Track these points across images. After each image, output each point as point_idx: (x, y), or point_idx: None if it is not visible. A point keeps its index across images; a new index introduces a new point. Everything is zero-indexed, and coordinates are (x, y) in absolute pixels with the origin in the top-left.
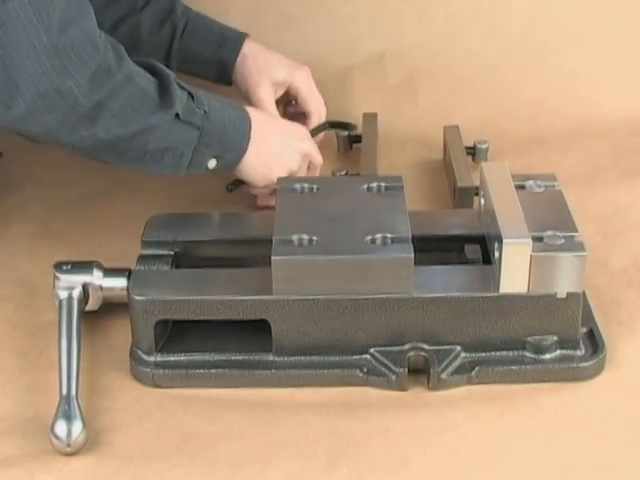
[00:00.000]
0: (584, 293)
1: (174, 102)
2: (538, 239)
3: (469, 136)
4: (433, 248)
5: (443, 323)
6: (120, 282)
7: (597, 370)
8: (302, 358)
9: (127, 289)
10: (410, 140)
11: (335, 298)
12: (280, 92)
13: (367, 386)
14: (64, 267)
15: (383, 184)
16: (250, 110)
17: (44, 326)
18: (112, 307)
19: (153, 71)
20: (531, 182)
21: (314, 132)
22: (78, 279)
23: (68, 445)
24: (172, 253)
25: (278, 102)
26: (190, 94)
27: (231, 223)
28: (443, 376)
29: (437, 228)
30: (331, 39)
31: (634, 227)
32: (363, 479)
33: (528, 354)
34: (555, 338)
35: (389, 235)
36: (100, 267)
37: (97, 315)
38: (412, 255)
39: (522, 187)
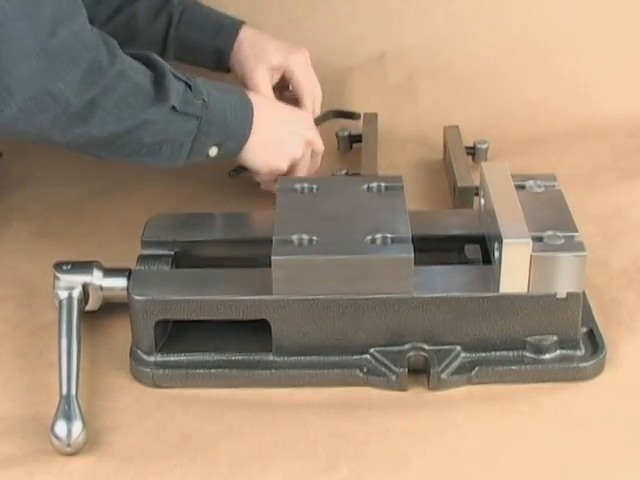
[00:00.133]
0: (584, 293)
1: (169, 95)
2: (538, 239)
3: (469, 136)
4: (433, 248)
5: (443, 323)
6: (120, 282)
7: (597, 370)
8: (302, 358)
9: (127, 289)
10: (410, 140)
11: (335, 298)
12: (277, 77)
13: (367, 386)
14: (64, 267)
15: (383, 184)
16: (253, 96)
17: (44, 326)
18: (112, 307)
19: (148, 63)
20: (531, 182)
21: (318, 121)
22: (78, 279)
23: (68, 445)
24: (172, 253)
25: (275, 88)
26: (188, 85)
27: (231, 223)
28: (443, 376)
29: (437, 228)
30: (331, 39)
31: (634, 227)
32: (363, 479)
33: (528, 354)
34: (555, 338)
35: (389, 235)
36: (100, 267)
37: (97, 315)
38: (412, 255)
39: (522, 187)
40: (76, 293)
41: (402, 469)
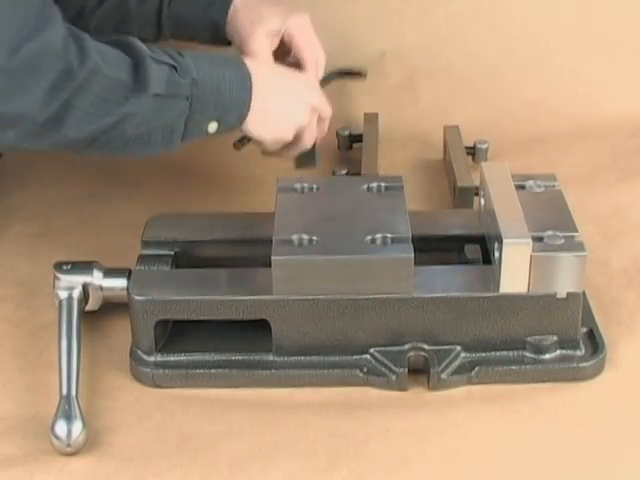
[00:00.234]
0: (584, 293)
1: (149, 83)
2: (538, 239)
3: (469, 136)
4: (433, 248)
5: (443, 323)
6: (120, 282)
7: (597, 370)
8: (302, 358)
9: (127, 289)
10: (410, 140)
11: (335, 298)
12: (276, 42)
13: (367, 386)
14: (64, 267)
15: (383, 184)
16: (251, 63)
17: (44, 326)
18: (112, 307)
19: (126, 49)
20: (531, 182)
21: (322, 83)
22: (78, 279)
23: (68, 445)
24: (172, 253)
25: (277, 54)
26: (172, 66)
27: (231, 223)
28: (443, 376)
29: (437, 228)
30: (331, 39)
31: (634, 227)
32: (363, 479)
33: (528, 354)
34: (555, 338)
35: (389, 235)
36: (100, 267)
37: (97, 315)
38: (412, 255)
39: (522, 187)
40: (76, 293)
41: (402, 469)
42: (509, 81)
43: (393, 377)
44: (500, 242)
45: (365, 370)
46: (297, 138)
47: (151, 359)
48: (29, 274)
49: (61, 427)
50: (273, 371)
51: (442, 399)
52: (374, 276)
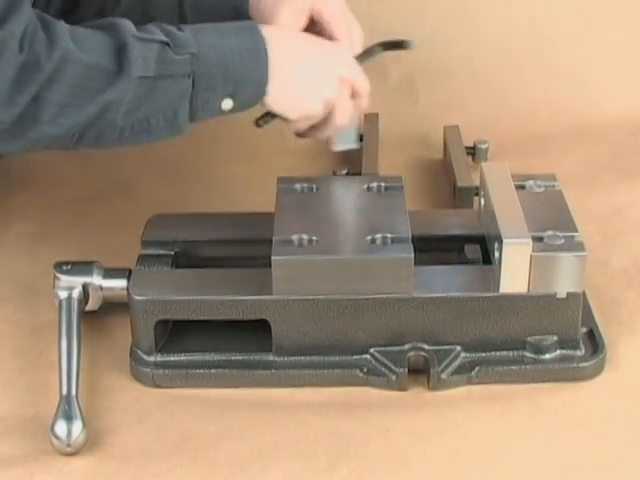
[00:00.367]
0: (584, 293)
1: (131, 66)
2: (538, 239)
3: (469, 136)
4: (433, 248)
5: (443, 323)
6: (120, 282)
7: (597, 370)
8: (302, 358)
9: (127, 289)
10: (410, 140)
11: (335, 298)
12: (304, 20)
13: (367, 386)
14: (64, 267)
15: (383, 184)
16: (268, 30)
17: (44, 326)
18: (112, 307)
19: (110, 32)
20: (531, 182)
21: (362, 58)
22: (78, 279)
23: (68, 445)
24: (172, 253)
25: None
26: (164, 43)
27: (231, 223)
28: (443, 376)
29: (437, 228)
30: None
31: (634, 227)
32: (363, 479)
33: (528, 354)
34: (555, 338)
35: (389, 235)
36: (100, 267)
37: (97, 315)
38: (412, 255)
39: (522, 187)
40: (76, 293)
41: (402, 469)
42: (509, 81)
43: (393, 377)
44: (500, 242)
45: (365, 370)
46: (329, 116)
47: (151, 359)
48: (29, 274)
49: (61, 427)
50: (273, 371)
51: (442, 399)
52: (374, 276)
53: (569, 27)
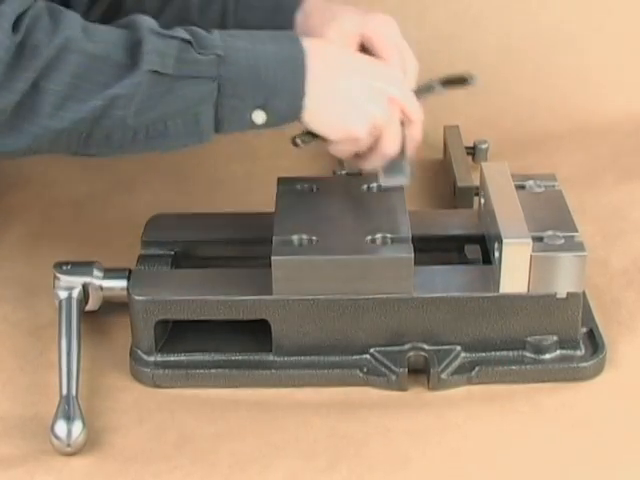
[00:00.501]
0: (584, 293)
1: (143, 59)
2: (538, 239)
3: (469, 136)
4: (433, 248)
5: (443, 323)
6: (120, 282)
7: (597, 370)
8: (302, 358)
9: (127, 289)
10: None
11: (335, 298)
12: (353, 45)
13: (367, 386)
14: (64, 267)
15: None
16: (310, 41)
17: (44, 326)
18: (112, 307)
19: (128, 26)
20: (531, 182)
21: (419, 94)
22: (78, 279)
23: (68, 445)
24: (172, 253)
25: None
26: (186, 41)
27: (231, 223)
28: (443, 376)
29: (437, 228)
30: None
31: (634, 227)
32: (363, 479)
33: (528, 354)
34: (555, 338)
35: (389, 235)
36: (100, 267)
37: (97, 315)
38: (412, 255)
39: (522, 187)
40: (76, 293)
41: (402, 469)
42: (509, 81)
43: (393, 377)
44: (500, 242)
45: (365, 370)
46: (376, 142)
47: (151, 359)
48: (29, 274)
49: (61, 427)
50: (273, 371)
51: (442, 399)
52: (374, 276)
53: (569, 27)
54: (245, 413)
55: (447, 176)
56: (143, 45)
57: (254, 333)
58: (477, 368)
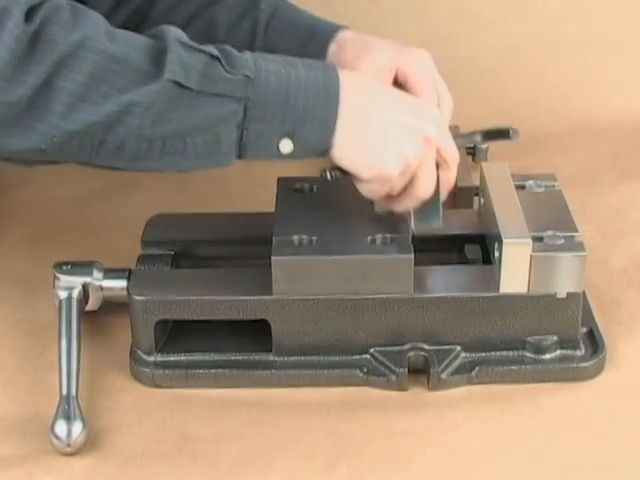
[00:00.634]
0: (584, 293)
1: (167, 68)
2: (538, 239)
3: None
4: (433, 248)
5: (443, 323)
6: (120, 282)
7: (597, 370)
8: (302, 358)
9: (127, 289)
10: None
11: (335, 298)
12: (387, 80)
13: (367, 386)
14: (64, 267)
15: None
16: (345, 73)
17: (44, 326)
18: (112, 307)
19: (155, 34)
20: (531, 182)
21: (459, 142)
22: (78, 279)
23: (68, 445)
24: (172, 253)
25: None
26: (214, 57)
27: (231, 223)
28: (443, 376)
29: (437, 228)
30: None
31: (634, 227)
32: (363, 479)
33: (528, 354)
34: (555, 338)
35: (389, 235)
36: (100, 267)
37: (97, 315)
38: (412, 255)
39: (522, 187)
40: (76, 293)
41: (402, 470)
42: (509, 81)
43: (393, 377)
44: (500, 242)
45: (365, 370)
46: (409, 183)
47: (151, 359)
48: (29, 274)
49: (61, 427)
50: (273, 371)
51: (442, 399)
52: (374, 276)
53: (569, 27)
54: (245, 413)
55: None
56: (168, 54)
57: (254, 333)
58: (477, 368)
